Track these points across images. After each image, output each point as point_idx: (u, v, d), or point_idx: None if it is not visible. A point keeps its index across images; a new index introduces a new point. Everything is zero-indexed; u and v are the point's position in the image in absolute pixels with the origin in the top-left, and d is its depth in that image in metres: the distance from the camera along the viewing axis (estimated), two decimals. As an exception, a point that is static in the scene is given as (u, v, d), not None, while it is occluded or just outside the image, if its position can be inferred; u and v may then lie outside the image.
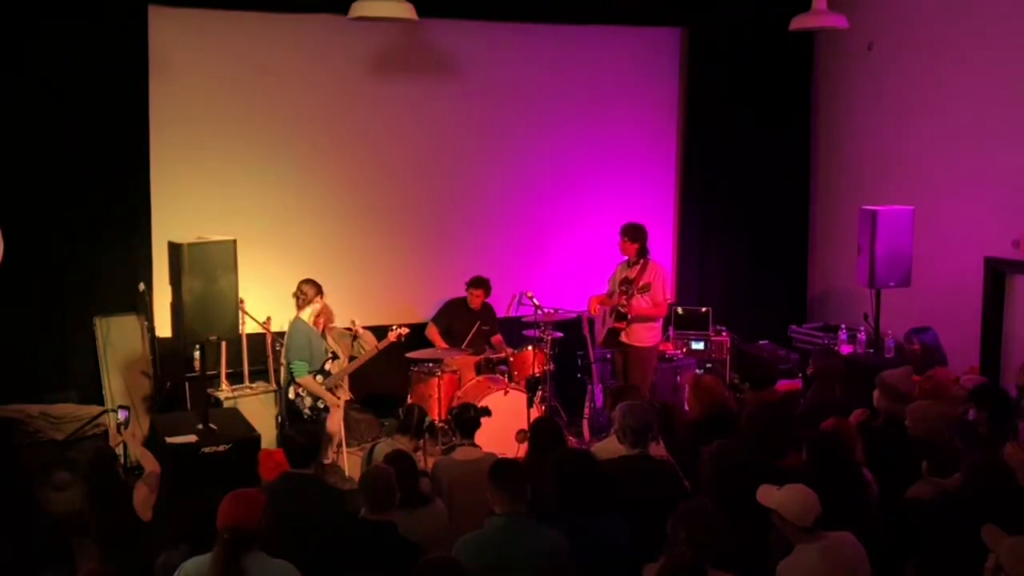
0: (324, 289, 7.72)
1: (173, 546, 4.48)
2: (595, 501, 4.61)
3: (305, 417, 7.54)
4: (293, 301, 7.68)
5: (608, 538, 4.53)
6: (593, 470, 4.74)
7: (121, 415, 5.84)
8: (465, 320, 9.08)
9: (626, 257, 8.38)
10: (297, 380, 7.52)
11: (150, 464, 5.50)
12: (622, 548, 4.55)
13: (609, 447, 5.67)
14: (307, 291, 7.63)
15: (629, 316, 8.18)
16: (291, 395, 7.60)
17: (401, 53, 9.23)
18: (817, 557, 4.12)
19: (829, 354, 8.88)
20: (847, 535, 4.26)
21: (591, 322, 9.44)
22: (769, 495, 4.30)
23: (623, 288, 8.22)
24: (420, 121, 9.41)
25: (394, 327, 8.00)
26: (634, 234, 8.29)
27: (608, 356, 9.00)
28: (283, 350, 7.80)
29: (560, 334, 9.14)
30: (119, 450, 5.88)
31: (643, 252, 8.30)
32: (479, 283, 9.08)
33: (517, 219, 9.86)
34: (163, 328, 7.76)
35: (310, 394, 7.56)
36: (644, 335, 8.31)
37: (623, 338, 8.34)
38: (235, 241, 6.69)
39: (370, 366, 8.09)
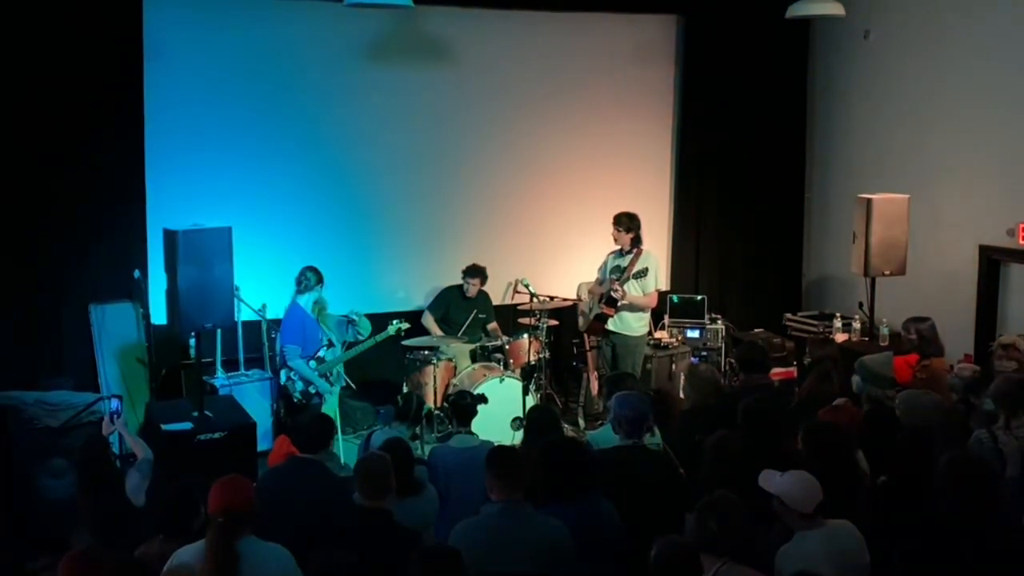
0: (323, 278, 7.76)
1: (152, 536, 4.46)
2: (585, 488, 4.62)
3: (295, 401, 7.57)
4: (295, 285, 7.70)
5: (599, 525, 4.54)
6: (583, 457, 4.75)
7: (113, 404, 5.83)
8: (461, 308, 9.09)
9: (619, 246, 8.30)
10: (288, 364, 7.54)
11: (142, 451, 5.51)
12: (613, 535, 4.56)
13: (605, 436, 5.70)
14: (310, 277, 7.66)
15: (620, 302, 8.14)
16: (282, 379, 7.62)
17: (397, 40, 9.20)
18: (817, 544, 4.12)
19: (826, 343, 8.93)
20: (846, 523, 4.26)
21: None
22: (771, 481, 4.31)
23: (615, 275, 8.18)
24: (416, 108, 9.39)
25: (394, 322, 7.99)
26: (628, 223, 8.18)
27: (598, 344, 9.02)
28: (277, 334, 7.81)
29: (556, 321, 9.16)
30: (113, 438, 5.87)
31: (637, 241, 8.23)
32: (475, 271, 9.07)
33: (513, 206, 9.85)
34: (158, 315, 7.76)
35: (301, 379, 7.57)
36: (634, 324, 8.27)
37: (611, 326, 8.28)
38: (230, 228, 6.68)
39: (366, 354, 8.09)
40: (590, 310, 8.43)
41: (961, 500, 4.21)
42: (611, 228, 8.27)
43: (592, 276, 8.73)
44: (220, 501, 3.94)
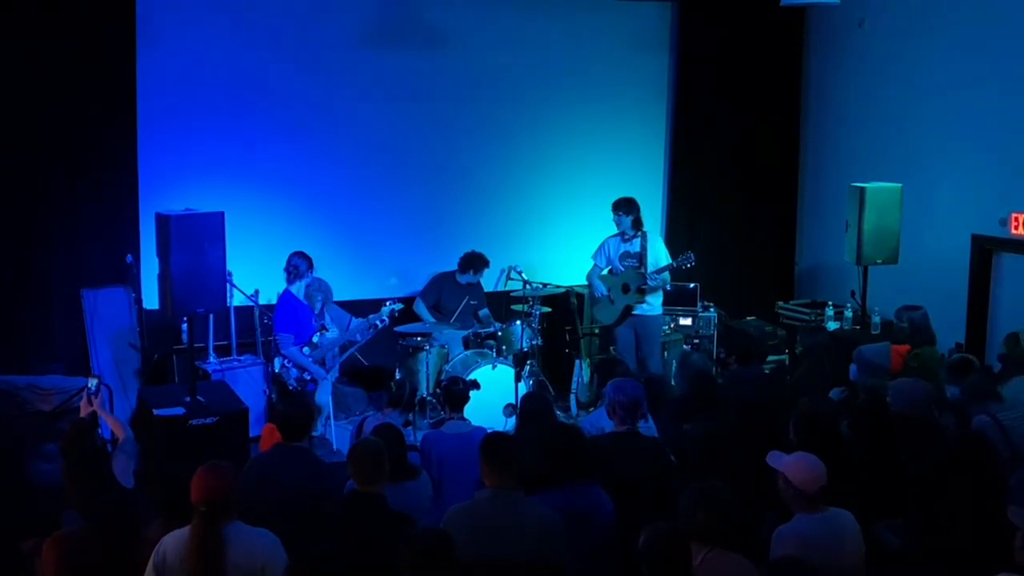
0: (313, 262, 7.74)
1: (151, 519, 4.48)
2: (581, 475, 4.63)
3: (291, 388, 7.56)
4: (284, 276, 7.68)
5: (594, 511, 4.56)
6: (579, 444, 4.77)
7: (91, 384, 5.80)
8: (454, 295, 9.08)
9: (620, 231, 8.35)
10: (282, 352, 7.54)
11: (122, 430, 5.49)
12: (607, 521, 4.58)
13: (596, 419, 5.71)
14: (300, 264, 7.64)
15: (647, 290, 8.27)
16: (277, 367, 7.62)
17: (392, 24, 9.16)
18: (815, 528, 4.15)
19: (818, 331, 8.95)
20: (846, 513, 4.29)
21: (580, 297, 9.46)
22: (778, 460, 4.34)
23: (630, 263, 8.26)
24: (409, 93, 9.35)
25: (388, 303, 7.98)
26: (628, 208, 8.30)
27: (596, 331, 9.03)
28: (271, 322, 7.81)
29: (548, 308, 9.16)
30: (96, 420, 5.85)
31: (638, 224, 8.32)
32: (483, 263, 9.02)
33: (505, 192, 9.83)
34: (150, 300, 7.74)
35: (296, 366, 7.58)
36: (655, 303, 8.42)
37: (636, 309, 8.37)
38: (223, 213, 6.67)
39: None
40: (612, 301, 8.42)
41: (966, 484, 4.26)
42: (604, 215, 8.30)
43: (586, 263, 8.74)
44: (201, 490, 3.95)
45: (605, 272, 8.56)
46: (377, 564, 4.02)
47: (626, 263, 8.34)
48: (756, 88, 10.41)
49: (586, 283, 8.98)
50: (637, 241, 8.31)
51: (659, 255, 8.36)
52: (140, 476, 5.20)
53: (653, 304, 8.40)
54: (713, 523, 3.92)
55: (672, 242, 10.54)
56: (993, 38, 8.56)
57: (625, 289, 8.33)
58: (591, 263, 8.71)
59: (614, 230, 8.55)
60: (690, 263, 8.24)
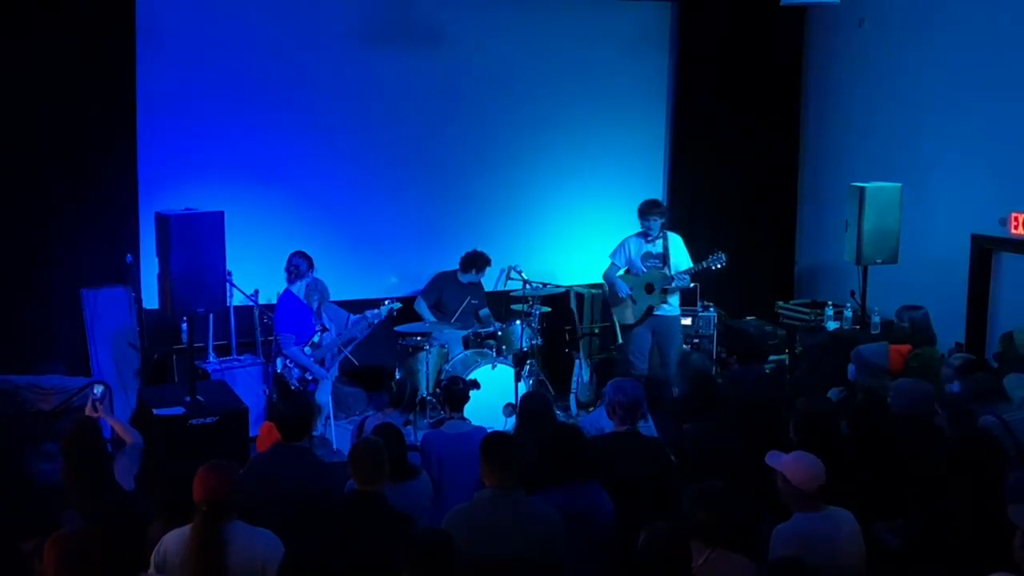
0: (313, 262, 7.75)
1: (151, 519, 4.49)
2: (581, 475, 4.64)
3: (293, 388, 7.57)
4: (285, 275, 7.68)
5: (594, 511, 4.56)
6: (579, 444, 4.77)
7: (97, 390, 5.81)
8: (454, 294, 9.08)
9: (645, 231, 8.34)
10: (284, 352, 7.55)
11: (130, 436, 5.50)
12: (607, 521, 4.58)
13: (596, 419, 5.72)
14: (300, 264, 7.65)
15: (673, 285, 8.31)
16: (279, 367, 7.63)
17: (391, 24, 9.16)
18: (814, 526, 4.16)
19: (817, 331, 8.95)
20: (846, 512, 4.30)
21: (580, 297, 9.46)
22: (777, 459, 4.35)
23: (653, 263, 8.29)
24: (409, 93, 9.35)
25: (386, 302, 8.00)
26: (661, 210, 8.37)
27: (596, 331, 9.02)
28: (271, 321, 7.82)
29: (548, 308, 9.16)
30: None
31: (665, 226, 8.39)
32: (473, 261, 9.02)
33: (505, 192, 9.82)
34: (150, 300, 7.74)
35: (297, 365, 7.58)
36: (673, 303, 8.45)
37: (658, 310, 8.38)
38: (223, 213, 6.67)
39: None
40: (634, 301, 8.41)
41: (966, 483, 4.26)
42: (603, 214, 8.31)
43: (588, 263, 8.73)
44: (203, 490, 3.98)
45: (623, 272, 8.52)
46: (377, 564, 4.03)
47: (649, 264, 8.33)
48: (756, 88, 10.41)
49: (588, 283, 8.97)
50: (660, 242, 8.30)
51: (680, 256, 8.37)
52: (140, 476, 5.21)
53: (672, 304, 8.41)
54: (713, 523, 3.93)
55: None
56: (993, 38, 8.56)
57: (649, 289, 8.31)
58: (591, 262, 8.70)
59: (614, 230, 8.55)
60: (720, 263, 8.22)
